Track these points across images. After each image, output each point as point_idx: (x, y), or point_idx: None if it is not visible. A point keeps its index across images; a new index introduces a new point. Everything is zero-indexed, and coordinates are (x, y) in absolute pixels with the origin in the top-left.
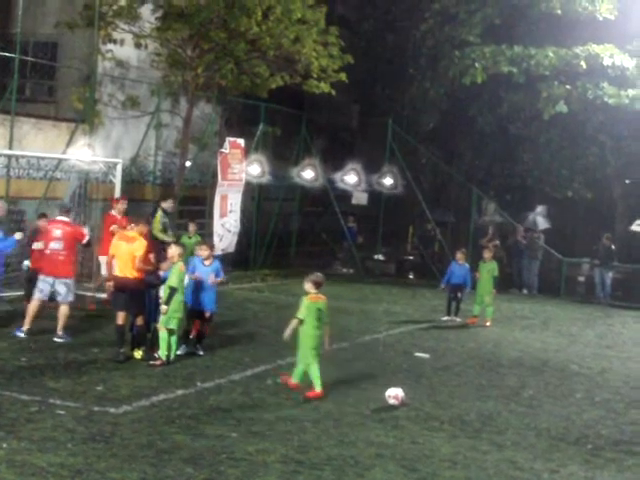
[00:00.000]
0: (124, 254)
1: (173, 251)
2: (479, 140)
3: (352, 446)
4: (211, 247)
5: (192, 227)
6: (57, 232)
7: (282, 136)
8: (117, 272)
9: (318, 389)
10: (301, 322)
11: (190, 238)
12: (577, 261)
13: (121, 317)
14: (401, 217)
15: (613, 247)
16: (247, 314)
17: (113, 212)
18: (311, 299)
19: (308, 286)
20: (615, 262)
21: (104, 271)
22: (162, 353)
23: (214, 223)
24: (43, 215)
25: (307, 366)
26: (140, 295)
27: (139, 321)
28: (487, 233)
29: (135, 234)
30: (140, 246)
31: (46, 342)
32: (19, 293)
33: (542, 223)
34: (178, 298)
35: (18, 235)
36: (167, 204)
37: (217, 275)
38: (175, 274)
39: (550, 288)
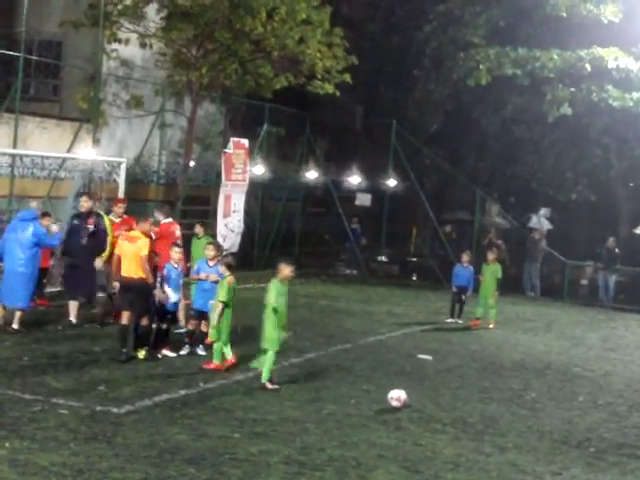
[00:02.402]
0: (128, 254)
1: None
2: (483, 142)
3: (354, 447)
4: (218, 248)
5: (199, 228)
6: (179, 233)
7: (286, 137)
8: (123, 272)
9: (217, 361)
10: (226, 305)
11: (199, 239)
12: (580, 264)
13: (126, 317)
14: (405, 218)
15: (617, 250)
16: (250, 314)
17: (110, 216)
18: (228, 282)
19: (222, 269)
20: (618, 265)
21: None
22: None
23: (218, 223)
24: (46, 214)
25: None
26: (145, 295)
27: (143, 321)
28: (488, 234)
29: (138, 233)
30: (144, 245)
31: (48, 341)
32: None
33: (546, 224)
34: (228, 312)
35: (55, 227)
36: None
37: (220, 276)
38: (223, 288)
39: (553, 291)
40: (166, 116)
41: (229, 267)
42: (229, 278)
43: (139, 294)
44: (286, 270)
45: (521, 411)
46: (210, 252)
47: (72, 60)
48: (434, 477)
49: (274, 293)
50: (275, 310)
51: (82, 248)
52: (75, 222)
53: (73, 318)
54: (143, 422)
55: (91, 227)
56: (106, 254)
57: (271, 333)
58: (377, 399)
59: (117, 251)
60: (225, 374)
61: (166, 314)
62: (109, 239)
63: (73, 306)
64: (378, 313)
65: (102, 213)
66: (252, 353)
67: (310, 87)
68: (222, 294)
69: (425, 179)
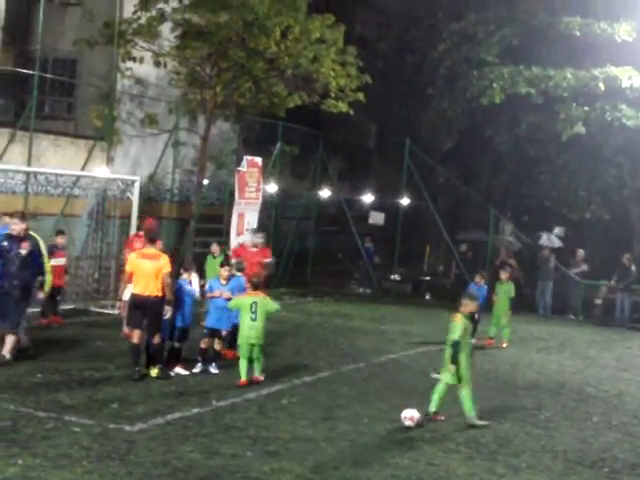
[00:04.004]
0: (147, 272)
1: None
2: (496, 160)
3: (367, 467)
4: (240, 269)
5: (215, 247)
6: None
7: (299, 155)
8: (136, 290)
9: (258, 375)
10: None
11: (215, 258)
12: (595, 283)
13: (137, 335)
14: (418, 237)
15: (633, 268)
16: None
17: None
18: (245, 295)
19: (247, 285)
20: (633, 284)
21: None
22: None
23: (231, 241)
24: (60, 232)
25: (246, 359)
26: (159, 313)
27: (156, 339)
28: (499, 254)
29: (156, 251)
30: (166, 263)
31: (61, 358)
32: (34, 310)
33: (557, 242)
34: (246, 324)
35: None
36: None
37: (233, 293)
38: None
39: (567, 310)
40: (180, 134)
41: (254, 286)
42: (250, 293)
43: (153, 312)
44: (471, 305)
45: (535, 431)
46: (224, 272)
47: (87, 78)
48: None
49: (460, 329)
50: (457, 344)
51: (11, 275)
52: (4, 244)
53: (7, 353)
54: (156, 440)
55: (24, 251)
56: (48, 283)
57: (461, 369)
58: (390, 418)
59: (130, 269)
60: (237, 392)
61: (178, 332)
62: (47, 266)
63: (9, 340)
64: (391, 332)
65: (36, 235)
66: (264, 370)
67: (324, 106)
68: (232, 302)
69: (439, 198)
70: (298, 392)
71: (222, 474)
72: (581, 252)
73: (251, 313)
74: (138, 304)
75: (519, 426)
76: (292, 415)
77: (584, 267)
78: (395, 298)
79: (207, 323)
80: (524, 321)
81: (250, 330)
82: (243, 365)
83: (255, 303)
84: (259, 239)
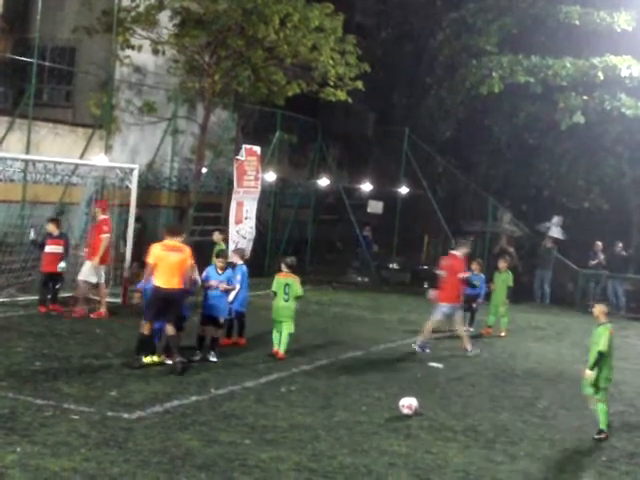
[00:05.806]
0: (172, 264)
1: None
2: (495, 150)
3: (365, 455)
4: (242, 256)
5: (217, 236)
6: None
7: (298, 144)
8: (159, 283)
9: (281, 352)
10: (275, 294)
11: (220, 246)
12: (593, 272)
13: (148, 327)
14: (416, 226)
15: (624, 253)
16: (261, 321)
17: (106, 216)
18: (279, 276)
19: (282, 266)
20: (630, 274)
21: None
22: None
23: (229, 230)
24: (52, 220)
25: (280, 332)
26: (181, 305)
27: (170, 330)
28: (498, 242)
29: (177, 243)
30: (189, 254)
31: (60, 346)
32: (34, 297)
33: (563, 235)
34: (279, 304)
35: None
36: None
37: (229, 283)
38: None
39: (565, 299)
40: (178, 122)
41: (288, 266)
42: (282, 274)
43: (175, 304)
44: (595, 309)
45: (532, 419)
46: (219, 263)
47: (85, 66)
48: None
49: (608, 339)
50: (602, 355)
51: None
52: None
53: None
54: (154, 428)
55: None
56: None
57: (598, 380)
58: (388, 407)
59: (154, 261)
60: (235, 380)
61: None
62: None
63: None
64: (390, 321)
65: None
66: (262, 358)
67: (322, 94)
68: (273, 285)
69: (437, 187)
70: (297, 380)
71: (220, 462)
72: (599, 244)
73: (284, 294)
74: (162, 297)
75: (517, 415)
76: (290, 403)
77: (602, 257)
78: (393, 287)
79: (205, 311)
80: (522, 310)
81: (282, 309)
82: (276, 337)
83: (288, 285)
84: (466, 248)
